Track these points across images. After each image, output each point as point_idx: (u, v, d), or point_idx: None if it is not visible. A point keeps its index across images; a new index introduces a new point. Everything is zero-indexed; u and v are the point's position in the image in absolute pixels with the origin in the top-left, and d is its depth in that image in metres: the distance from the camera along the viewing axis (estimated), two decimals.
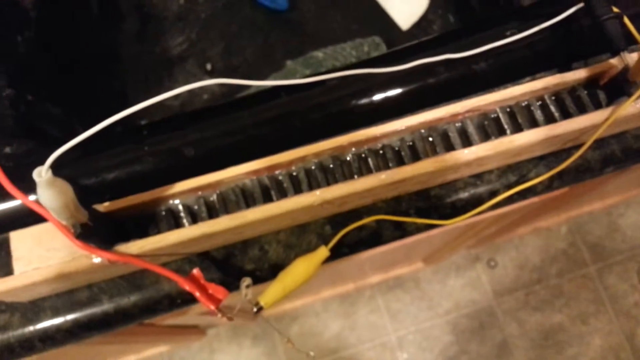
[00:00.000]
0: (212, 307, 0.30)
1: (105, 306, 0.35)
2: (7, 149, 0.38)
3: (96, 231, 0.29)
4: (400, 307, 1.28)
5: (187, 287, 0.30)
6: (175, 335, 0.97)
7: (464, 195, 0.36)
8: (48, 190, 0.24)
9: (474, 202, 0.35)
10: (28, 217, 0.34)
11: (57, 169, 0.35)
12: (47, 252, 0.33)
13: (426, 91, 0.36)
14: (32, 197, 0.28)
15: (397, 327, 1.27)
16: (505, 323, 1.26)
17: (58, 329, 0.35)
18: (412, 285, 1.29)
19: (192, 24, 0.66)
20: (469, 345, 1.25)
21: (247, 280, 0.31)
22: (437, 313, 1.27)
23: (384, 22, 0.62)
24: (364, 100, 0.36)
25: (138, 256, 0.31)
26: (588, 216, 1.30)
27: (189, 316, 0.64)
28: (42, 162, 0.24)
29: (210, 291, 0.31)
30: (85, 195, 0.35)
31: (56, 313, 0.35)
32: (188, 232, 0.31)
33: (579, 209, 1.19)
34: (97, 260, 0.31)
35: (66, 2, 0.59)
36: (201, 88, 0.65)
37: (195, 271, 0.31)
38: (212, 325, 1.18)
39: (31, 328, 0.34)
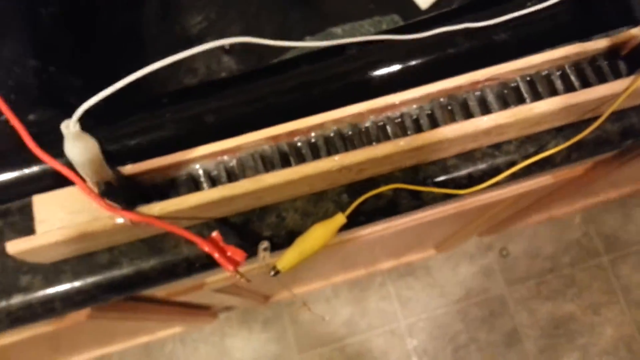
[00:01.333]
0: (231, 268, 0.31)
1: (125, 269, 0.35)
2: (31, 116, 0.38)
3: (119, 192, 0.30)
4: (411, 294, 1.28)
5: (206, 248, 0.31)
6: (187, 316, 0.98)
7: (481, 166, 0.36)
8: (75, 143, 0.25)
9: (492, 173, 0.36)
10: (50, 181, 0.35)
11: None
12: (69, 215, 0.33)
13: (446, 62, 0.36)
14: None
15: (407, 314, 1.27)
16: (516, 312, 1.26)
17: (78, 291, 0.35)
18: (424, 272, 1.29)
19: (211, 3, 0.66)
20: (478, 334, 1.25)
21: (264, 243, 0.32)
22: (448, 301, 1.27)
23: (402, 2, 0.62)
24: (383, 71, 0.36)
25: (159, 218, 0.31)
26: (602, 206, 1.29)
27: (203, 292, 0.65)
28: None
29: (229, 253, 0.32)
30: (107, 161, 0.36)
31: (77, 276, 0.35)
32: (209, 194, 0.31)
33: (594, 198, 1.18)
34: (119, 220, 0.31)
35: None
36: (219, 67, 0.66)
37: (215, 234, 0.32)
38: (225, 306, 1.19)
39: (52, 290, 0.35)
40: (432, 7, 0.60)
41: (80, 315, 0.52)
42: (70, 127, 0.24)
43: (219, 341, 1.27)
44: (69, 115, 0.39)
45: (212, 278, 0.61)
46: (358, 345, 1.26)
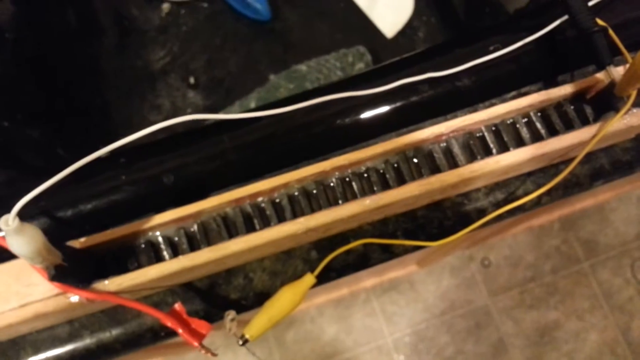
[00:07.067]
0: (195, 344, 0.29)
1: (87, 341, 0.34)
2: None
3: (72, 269, 0.28)
4: (396, 309, 1.27)
5: (169, 323, 0.29)
6: (167, 349, 0.96)
7: (451, 214, 0.35)
8: (17, 238, 0.23)
9: (462, 222, 0.35)
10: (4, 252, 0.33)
11: (33, 201, 0.34)
12: (25, 289, 0.32)
13: (411, 109, 0.35)
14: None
15: (392, 329, 1.26)
16: (501, 322, 1.26)
17: None
18: (407, 287, 1.28)
19: (174, 37, 0.65)
20: (465, 346, 1.25)
21: (231, 314, 0.30)
22: (432, 314, 1.27)
23: (368, 31, 0.61)
24: (347, 120, 0.35)
25: (117, 293, 0.30)
26: (580, 212, 1.30)
27: None
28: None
29: (193, 326, 0.30)
30: (62, 228, 0.34)
31: (36, 350, 0.34)
32: (168, 266, 0.30)
33: (572, 206, 1.19)
34: (74, 298, 0.30)
35: (43, 19, 0.58)
36: (184, 102, 0.64)
37: (177, 306, 0.30)
38: None
39: None
40: (398, 36, 0.60)
41: None
42: (9, 223, 0.22)
43: None
44: (29, 173, 0.37)
45: None
46: None
